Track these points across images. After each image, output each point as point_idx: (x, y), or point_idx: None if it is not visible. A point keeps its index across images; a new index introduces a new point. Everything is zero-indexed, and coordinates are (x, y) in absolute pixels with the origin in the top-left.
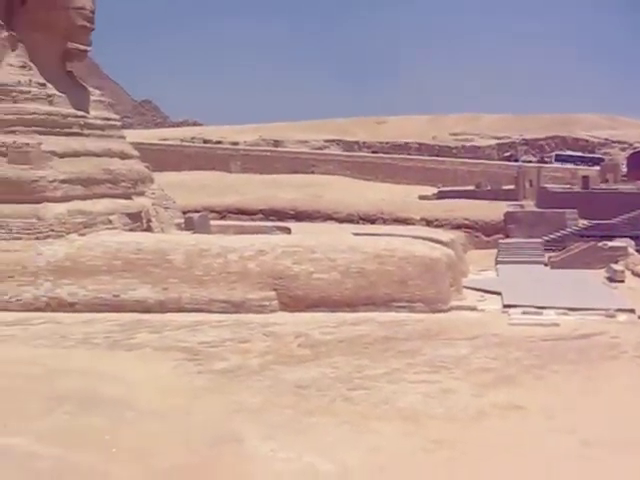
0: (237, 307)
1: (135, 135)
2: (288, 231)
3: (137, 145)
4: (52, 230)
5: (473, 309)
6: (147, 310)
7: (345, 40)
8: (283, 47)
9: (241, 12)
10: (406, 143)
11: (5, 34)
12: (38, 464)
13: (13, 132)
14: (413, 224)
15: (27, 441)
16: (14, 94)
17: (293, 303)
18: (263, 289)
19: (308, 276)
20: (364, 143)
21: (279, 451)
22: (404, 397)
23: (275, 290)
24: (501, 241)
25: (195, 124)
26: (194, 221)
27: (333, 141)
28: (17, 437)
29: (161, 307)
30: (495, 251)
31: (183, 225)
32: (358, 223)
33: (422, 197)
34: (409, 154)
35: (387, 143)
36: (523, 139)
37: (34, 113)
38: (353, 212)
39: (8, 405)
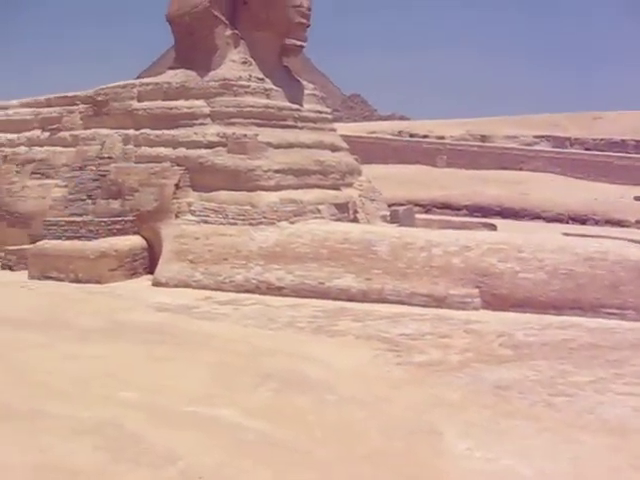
0: (439, 302)
1: (344, 128)
2: (494, 228)
3: (346, 138)
4: (264, 217)
5: None
6: (350, 299)
7: (557, 30)
8: (490, 38)
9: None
10: (623, 140)
11: (229, 32)
12: (244, 435)
13: (233, 124)
14: (628, 227)
15: (235, 413)
16: (235, 88)
17: (496, 302)
18: (466, 285)
19: (513, 275)
20: (576, 139)
21: (475, 450)
22: (610, 409)
23: (478, 287)
24: None
25: (402, 118)
26: (399, 214)
27: (543, 137)
28: (226, 409)
29: (364, 297)
30: None
31: (388, 217)
32: (567, 223)
33: (638, 198)
34: (626, 152)
35: (602, 140)
36: None
37: (252, 106)
38: (562, 211)
39: (219, 379)
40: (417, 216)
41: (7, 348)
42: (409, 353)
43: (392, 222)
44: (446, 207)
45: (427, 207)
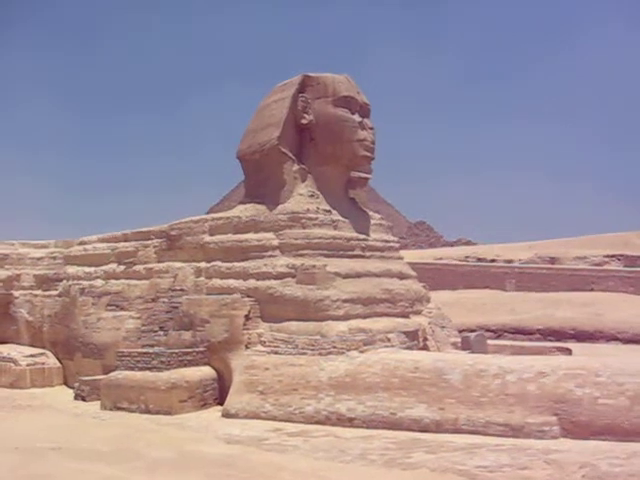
0: (515, 431)
1: (411, 255)
2: (569, 352)
3: (413, 265)
4: (334, 347)
5: None
6: (423, 429)
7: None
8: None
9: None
10: None
11: (297, 167)
12: None
13: (302, 255)
14: None
15: None
16: (303, 220)
17: (576, 430)
18: (543, 413)
19: (592, 401)
20: None
21: None
22: None
23: (556, 415)
24: None
25: (468, 243)
26: (471, 340)
27: (614, 256)
28: None
29: (437, 427)
30: None
31: (460, 344)
32: None
33: None
34: None
35: None
36: None
37: (320, 237)
38: (639, 332)
39: None
40: (489, 342)
41: (83, 479)
42: None
43: (463, 349)
44: (518, 332)
45: (498, 332)
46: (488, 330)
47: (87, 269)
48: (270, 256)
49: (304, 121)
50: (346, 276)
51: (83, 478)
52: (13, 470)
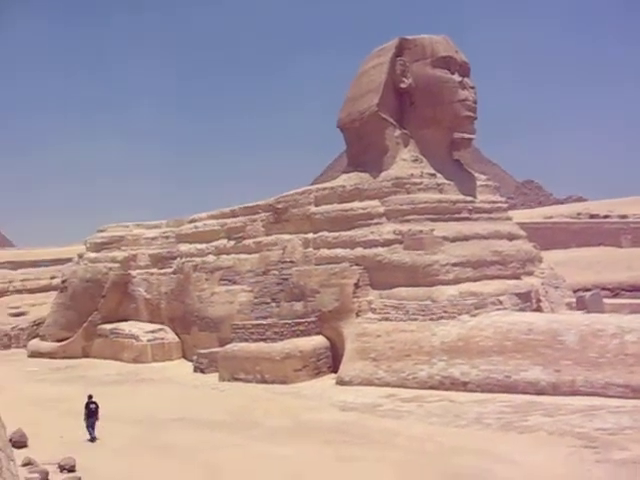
0: (636, 392)
1: (520, 215)
2: None
3: (522, 225)
4: (445, 311)
5: None
6: (539, 392)
7: None
8: None
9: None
10: None
11: (398, 132)
12: None
13: (408, 221)
14: None
15: None
16: (407, 186)
17: None
18: None
19: None
20: None
21: None
22: None
23: None
24: None
25: (580, 199)
26: (586, 300)
27: None
28: None
29: (554, 390)
30: None
31: (574, 304)
32: None
33: None
34: None
35: None
36: None
37: (426, 202)
38: None
39: (405, 479)
40: (605, 301)
41: (204, 447)
42: (608, 449)
43: (579, 309)
44: (636, 289)
45: (615, 291)
46: (604, 289)
47: (199, 246)
48: (376, 223)
49: (403, 85)
50: (454, 239)
51: (205, 447)
52: (140, 441)
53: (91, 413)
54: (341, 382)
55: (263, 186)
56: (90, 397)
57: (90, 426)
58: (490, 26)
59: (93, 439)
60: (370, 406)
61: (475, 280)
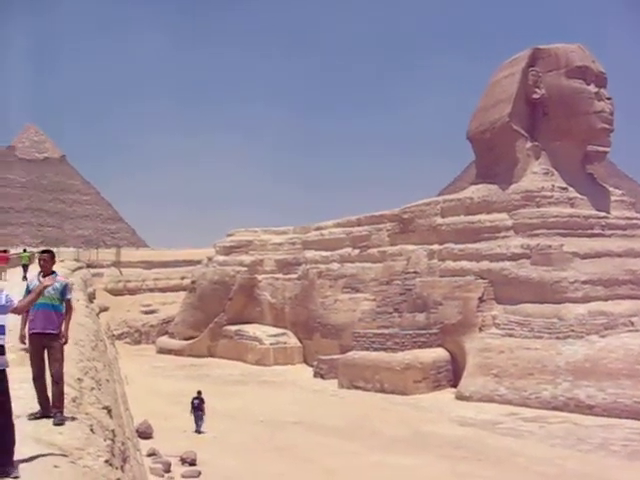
0: None
1: None
2: None
3: None
4: (572, 330)
5: None
6: None
7: None
8: None
9: None
10: None
11: (529, 144)
12: None
13: (537, 235)
14: None
15: None
16: (537, 199)
17: None
18: None
19: None
20: None
21: None
22: None
23: None
24: None
25: None
26: None
27: None
28: None
29: None
30: None
31: None
32: None
33: None
34: None
35: None
36: None
37: (557, 216)
38: None
39: None
40: None
41: (321, 452)
42: None
43: None
44: None
45: None
46: None
47: (324, 253)
48: (504, 237)
49: (536, 96)
50: (585, 256)
51: (322, 451)
52: (259, 440)
53: (196, 407)
54: (461, 397)
55: (388, 193)
56: (199, 393)
57: (198, 419)
58: (632, 33)
59: (199, 431)
60: (490, 423)
61: (606, 299)
